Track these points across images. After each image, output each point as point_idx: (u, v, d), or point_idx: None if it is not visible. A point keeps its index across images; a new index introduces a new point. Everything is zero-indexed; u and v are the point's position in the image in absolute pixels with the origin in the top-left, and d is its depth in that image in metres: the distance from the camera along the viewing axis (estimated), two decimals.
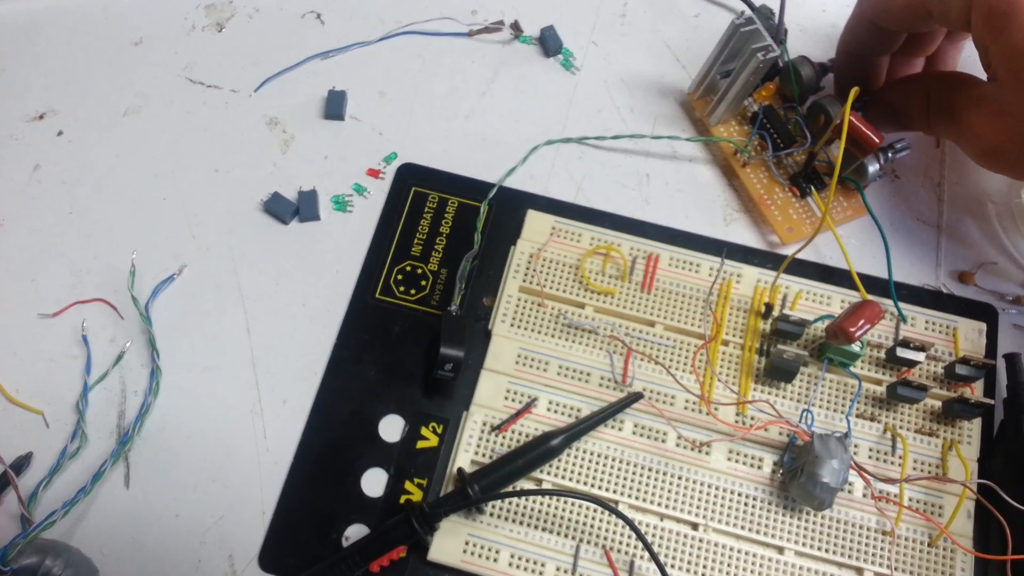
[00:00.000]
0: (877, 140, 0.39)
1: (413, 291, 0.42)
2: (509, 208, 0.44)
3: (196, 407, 0.40)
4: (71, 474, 0.39)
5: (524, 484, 0.37)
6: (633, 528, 0.34)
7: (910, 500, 0.37)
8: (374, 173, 0.45)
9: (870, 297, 0.39)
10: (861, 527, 0.37)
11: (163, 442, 0.39)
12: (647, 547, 0.34)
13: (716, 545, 0.37)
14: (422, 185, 0.45)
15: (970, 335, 0.40)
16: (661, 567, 0.34)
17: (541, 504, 0.37)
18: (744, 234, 0.44)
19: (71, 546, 0.36)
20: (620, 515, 0.34)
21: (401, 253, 0.43)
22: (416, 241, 0.43)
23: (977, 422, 0.39)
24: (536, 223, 0.43)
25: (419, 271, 0.43)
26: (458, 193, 0.45)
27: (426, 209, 0.44)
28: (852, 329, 0.36)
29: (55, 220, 0.44)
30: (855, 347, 0.38)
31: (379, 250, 0.43)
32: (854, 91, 0.37)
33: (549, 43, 0.48)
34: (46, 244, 0.44)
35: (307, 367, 0.41)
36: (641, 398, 0.38)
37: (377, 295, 0.42)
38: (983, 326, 0.41)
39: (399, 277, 0.43)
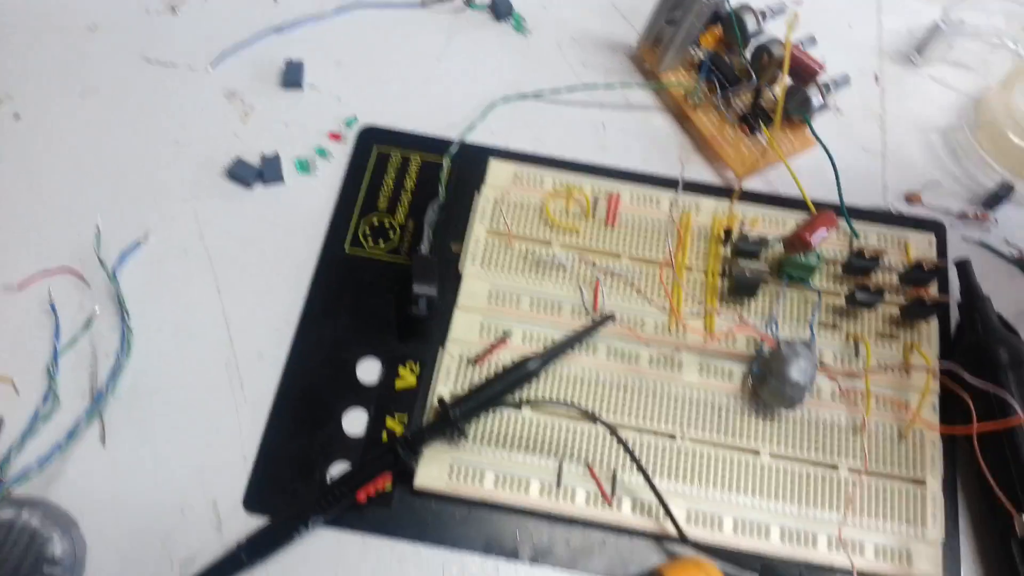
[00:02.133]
0: (817, 68, 0.41)
1: (382, 242, 0.43)
2: (471, 162, 0.45)
3: (170, 365, 0.40)
4: (44, 437, 0.38)
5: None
6: (614, 433, 0.35)
7: (876, 398, 0.38)
8: (335, 136, 0.46)
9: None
10: (833, 426, 0.38)
11: (138, 400, 0.39)
12: (628, 452, 0.35)
13: (694, 453, 0.37)
14: (384, 145, 0.46)
15: (920, 246, 0.42)
16: (644, 472, 0.35)
17: (522, 426, 0.38)
18: (701, 173, 0.46)
19: (48, 500, 0.36)
20: (602, 421, 0.35)
21: (368, 207, 0.44)
22: (382, 197, 0.44)
23: (935, 326, 0.40)
24: (499, 170, 0.44)
25: (386, 223, 0.44)
26: (421, 150, 0.46)
27: (389, 167, 0.45)
28: (809, 236, 0.37)
29: (17, 197, 0.44)
30: (812, 259, 0.40)
31: (345, 206, 0.44)
32: (794, 16, 0.39)
33: (500, 8, 0.50)
34: (7, 219, 0.43)
35: (281, 320, 0.41)
36: (613, 319, 0.39)
37: (346, 248, 0.43)
38: (932, 237, 0.43)
39: (367, 230, 0.43)
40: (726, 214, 0.43)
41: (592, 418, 0.35)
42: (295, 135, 0.46)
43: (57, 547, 0.33)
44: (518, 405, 0.38)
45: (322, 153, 0.46)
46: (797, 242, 0.38)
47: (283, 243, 0.43)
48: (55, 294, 0.41)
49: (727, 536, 0.36)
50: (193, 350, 0.40)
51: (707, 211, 0.43)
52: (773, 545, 0.36)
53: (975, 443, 0.34)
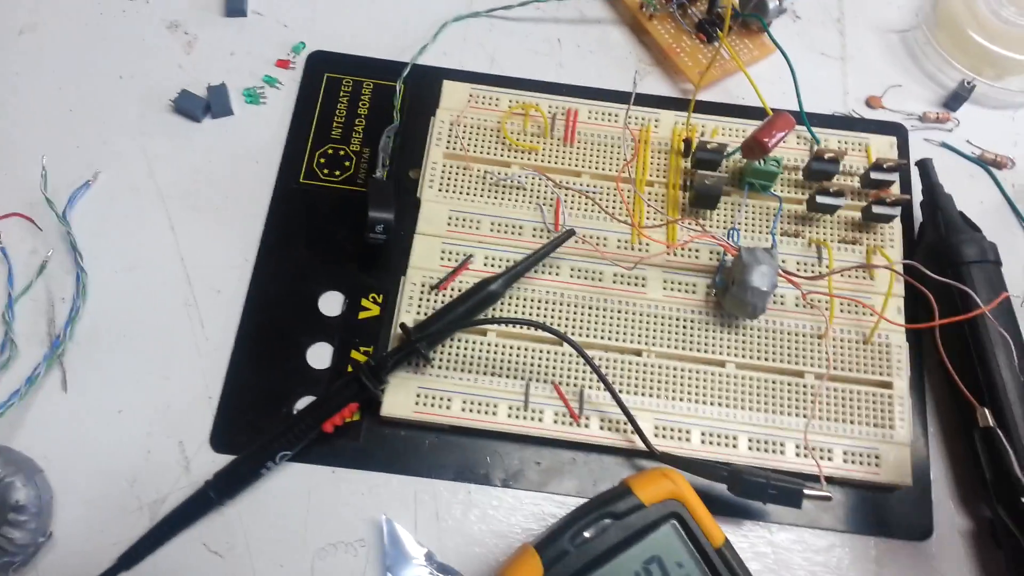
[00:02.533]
0: None
1: (337, 172, 0.42)
2: (425, 85, 0.44)
3: (127, 306, 0.39)
4: (3, 385, 0.37)
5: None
6: (580, 352, 0.35)
7: (841, 303, 0.38)
8: (284, 64, 0.45)
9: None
10: (797, 333, 0.38)
11: (97, 344, 0.38)
12: (595, 369, 0.35)
13: (660, 367, 0.37)
14: (335, 71, 0.44)
15: (882, 149, 0.42)
16: (611, 389, 0.35)
17: (488, 350, 0.37)
18: (659, 86, 0.45)
19: (11, 448, 0.35)
20: (567, 340, 0.35)
21: (321, 138, 0.43)
22: (335, 125, 0.43)
23: (897, 227, 0.40)
24: (453, 92, 0.43)
25: (341, 153, 0.42)
26: (372, 75, 0.44)
27: (341, 94, 0.44)
28: (766, 139, 0.37)
29: None
30: (772, 166, 0.39)
31: (298, 137, 0.43)
32: None
33: None
34: None
35: (238, 256, 0.40)
36: (574, 234, 0.38)
37: (301, 179, 0.42)
38: (893, 139, 0.42)
39: (321, 160, 0.42)
40: (686, 126, 0.42)
41: (559, 337, 0.35)
42: (242, 64, 0.45)
43: (21, 493, 0.33)
44: (483, 330, 0.38)
45: (271, 82, 0.44)
46: (755, 146, 0.37)
47: (236, 177, 0.42)
48: (6, 240, 0.40)
49: (695, 447, 0.36)
50: (150, 290, 0.39)
51: (667, 124, 0.42)
52: (741, 454, 0.36)
53: (937, 338, 0.34)
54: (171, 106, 0.43)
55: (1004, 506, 0.31)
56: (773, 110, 0.41)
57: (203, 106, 0.43)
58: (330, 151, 0.42)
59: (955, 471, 0.37)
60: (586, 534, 0.31)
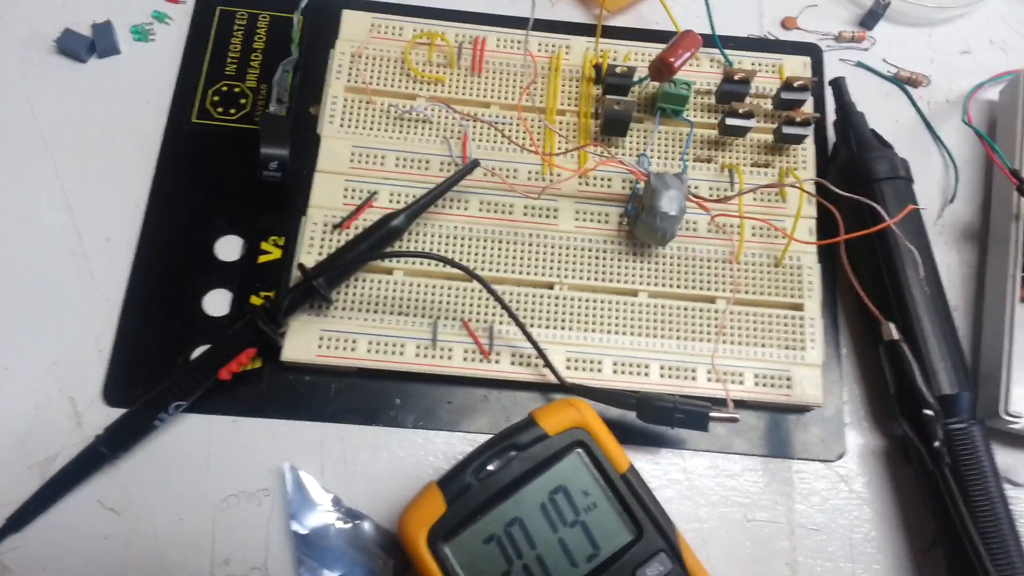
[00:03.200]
0: None
1: (233, 111, 0.40)
2: (325, 16, 0.41)
3: (10, 257, 0.37)
4: None
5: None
6: (486, 286, 0.33)
7: (752, 228, 0.38)
8: None
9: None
10: (708, 260, 0.37)
11: None
12: (501, 303, 0.34)
13: (572, 299, 0.36)
14: (228, 3, 0.42)
15: (795, 69, 0.41)
16: (519, 322, 0.34)
17: (393, 289, 0.36)
18: (570, 12, 0.43)
19: None
20: (473, 275, 0.34)
21: (214, 75, 0.40)
22: (229, 61, 0.41)
23: (811, 148, 0.39)
24: (353, 22, 0.41)
25: (236, 90, 0.40)
26: (268, 7, 0.42)
27: (235, 28, 0.41)
28: (672, 59, 0.35)
29: None
30: (683, 89, 0.38)
31: (189, 74, 0.40)
32: None
33: None
34: None
35: (129, 201, 0.38)
36: (479, 165, 0.37)
37: (193, 119, 0.40)
38: (807, 60, 0.41)
39: (215, 99, 0.40)
40: (595, 52, 0.41)
41: (466, 272, 0.34)
42: (129, 0, 0.42)
43: None
44: (388, 268, 0.36)
45: (160, 17, 0.42)
46: (661, 67, 0.36)
47: (124, 119, 0.40)
48: None
49: (607, 377, 0.35)
50: (35, 239, 0.37)
51: (578, 50, 0.41)
52: (653, 382, 0.35)
53: (843, 253, 0.33)
54: (53, 47, 0.41)
55: (908, 419, 0.31)
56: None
57: (88, 45, 0.40)
58: (224, 88, 0.40)
59: (869, 390, 0.37)
60: (490, 467, 0.30)
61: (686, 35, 0.36)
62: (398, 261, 0.36)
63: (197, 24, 0.41)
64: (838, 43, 0.43)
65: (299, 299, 0.34)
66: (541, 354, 0.34)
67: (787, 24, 0.43)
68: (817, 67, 0.42)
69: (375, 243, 0.35)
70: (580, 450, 0.30)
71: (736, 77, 0.38)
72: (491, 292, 0.34)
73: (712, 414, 0.32)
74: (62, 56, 0.41)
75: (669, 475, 0.35)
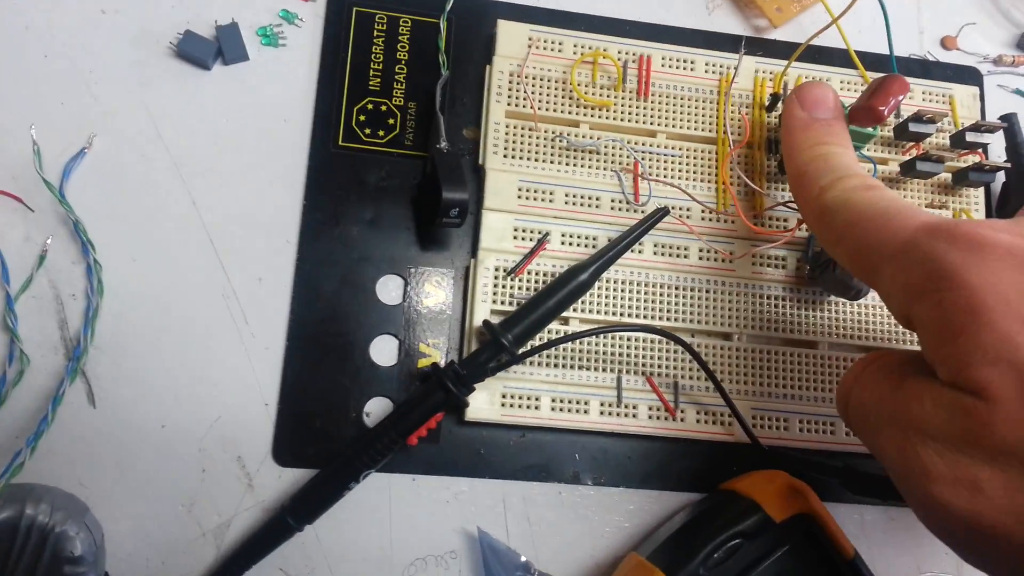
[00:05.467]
0: None
1: (382, 132, 0.36)
2: (471, 20, 0.38)
3: (154, 301, 0.34)
4: (20, 404, 0.32)
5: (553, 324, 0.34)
6: (695, 356, 0.32)
7: None
8: None
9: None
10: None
11: (123, 348, 0.33)
12: (702, 364, 0.33)
13: (751, 351, 0.35)
14: (364, 4, 0.38)
15: (966, 101, 0.39)
16: (718, 385, 0.33)
17: (573, 343, 0.34)
18: (730, 21, 0.40)
19: (48, 486, 0.31)
20: (676, 339, 0.32)
21: (357, 89, 0.37)
22: (372, 73, 0.37)
23: (981, 189, 0.38)
24: (510, 35, 0.37)
25: (383, 108, 0.37)
26: (409, 9, 0.38)
27: (375, 33, 0.37)
28: (881, 107, 0.33)
29: None
30: (868, 127, 0.36)
31: (330, 88, 0.37)
32: None
33: None
34: None
35: (277, 236, 0.35)
36: (668, 213, 0.34)
37: (340, 142, 0.36)
38: (976, 91, 0.40)
39: (361, 118, 0.36)
40: (767, 75, 0.38)
41: (677, 343, 0.32)
42: None
43: (76, 543, 0.29)
44: (566, 318, 0.34)
45: (289, 18, 0.37)
46: (866, 115, 0.34)
47: (262, 138, 0.36)
48: None
49: (793, 436, 0.35)
50: (179, 280, 0.34)
51: (747, 73, 0.38)
52: (840, 441, 0.35)
53: None
54: (173, 50, 0.36)
55: None
56: (857, 53, 0.38)
57: (213, 50, 0.36)
58: (370, 106, 0.37)
59: None
60: (715, 555, 0.29)
61: (895, 80, 0.34)
62: (574, 310, 0.35)
63: (331, 27, 0.37)
64: (996, 67, 0.42)
65: (498, 367, 0.32)
66: (736, 413, 0.34)
67: (947, 44, 0.41)
68: (981, 96, 0.40)
69: (563, 299, 0.33)
70: (808, 539, 0.30)
71: (925, 117, 0.36)
72: (700, 362, 0.32)
73: None
74: (182, 61, 0.36)
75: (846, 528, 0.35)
